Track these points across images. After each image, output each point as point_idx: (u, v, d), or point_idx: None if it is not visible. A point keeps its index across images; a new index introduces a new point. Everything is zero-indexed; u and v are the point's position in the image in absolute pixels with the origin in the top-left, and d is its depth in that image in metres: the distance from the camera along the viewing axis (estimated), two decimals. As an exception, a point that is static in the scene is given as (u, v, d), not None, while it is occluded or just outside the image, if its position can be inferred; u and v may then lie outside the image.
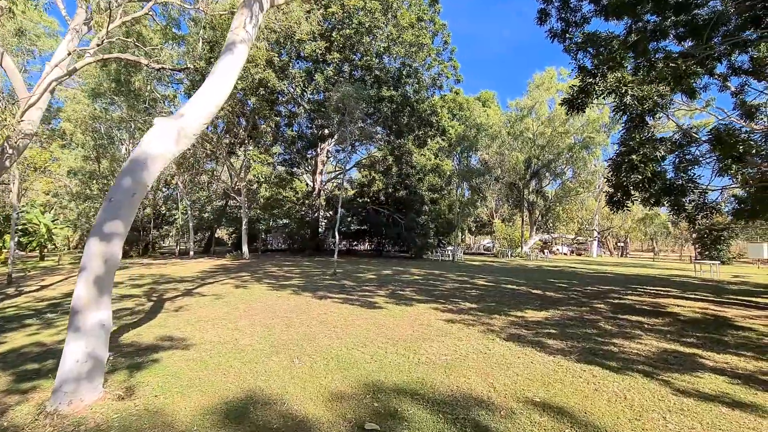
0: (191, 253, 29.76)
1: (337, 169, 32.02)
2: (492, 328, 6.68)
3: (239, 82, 17.67)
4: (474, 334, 6.28)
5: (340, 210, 15.26)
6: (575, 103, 7.86)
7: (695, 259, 37.07)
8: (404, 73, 22.01)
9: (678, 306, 9.04)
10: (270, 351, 5.38)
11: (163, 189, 35.92)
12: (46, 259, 27.97)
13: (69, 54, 7.09)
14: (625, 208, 8.29)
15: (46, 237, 29.08)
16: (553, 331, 6.47)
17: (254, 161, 19.65)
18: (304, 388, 4.09)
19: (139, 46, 13.06)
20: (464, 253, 37.58)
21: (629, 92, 6.36)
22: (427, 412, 3.50)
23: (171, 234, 34.48)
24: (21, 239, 29.62)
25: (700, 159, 7.99)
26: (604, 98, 7.60)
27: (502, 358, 5.02)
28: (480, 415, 3.46)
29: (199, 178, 31.13)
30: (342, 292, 10.72)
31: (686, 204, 7.94)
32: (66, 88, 22.58)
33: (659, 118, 7.36)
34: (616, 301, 9.67)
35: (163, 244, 39.79)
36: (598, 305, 9.01)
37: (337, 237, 15.04)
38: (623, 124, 7.95)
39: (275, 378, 4.37)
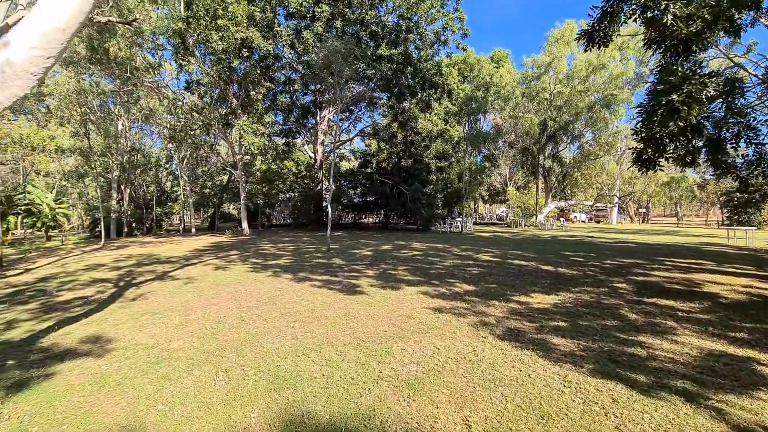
0: (193, 230, 29.22)
1: (337, 138, 30.55)
2: (486, 319, 5.45)
3: (219, 42, 16.12)
4: (462, 329, 5.07)
5: (331, 181, 13.97)
6: (596, 35, 6.19)
7: (723, 224, 34.82)
8: (404, 27, 19.91)
9: (716, 284, 7.61)
10: (198, 360, 4.29)
11: (166, 166, 35.25)
12: (52, 239, 27.81)
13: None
14: (656, 168, 6.74)
15: (50, 217, 28.80)
16: (562, 323, 5.19)
17: (245, 132, 18.33)
18: (205, 425, 2.97)
19: (113, 6, 11.71)
20: (475, 224, 36.14)
21: (671, 8, 4.74)
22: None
23: (175, 211, 33.96)
24: (25, 220, 29.51)
25: (751, 106, 6.30)
26: (636, 21, 5.93)
27: (490, 370, 3.80)
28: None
29: (197, 153, 30.13)
30: (327, 272, 9.60)
31: (734, 160, 6.35)
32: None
33: (706, 48, 5.72)
34: (641, 278, 8.28)
35: (171, 222, 39.57)
36: (619, 284, 7.66)
37: (329, 210, 13.80)
38: (658, 62, 6.29)
39: (178, 407, 3.27)
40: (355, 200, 29.39)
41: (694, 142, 6.52)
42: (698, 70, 5.46)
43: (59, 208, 30.08)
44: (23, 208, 28.56)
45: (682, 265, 10.03)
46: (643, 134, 6.20)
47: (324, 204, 32.19)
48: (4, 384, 3.83)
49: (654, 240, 18.48)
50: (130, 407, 3.29)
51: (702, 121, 5.47)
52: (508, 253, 12.92)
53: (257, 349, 4.52)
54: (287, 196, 30.76)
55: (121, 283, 9.20)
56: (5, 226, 27.71)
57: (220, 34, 15.92)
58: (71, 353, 4.64)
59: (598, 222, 43.79)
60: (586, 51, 6.80)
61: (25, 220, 29.59)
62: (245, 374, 3.86)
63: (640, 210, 48.55)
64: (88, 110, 23.81)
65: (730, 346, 4.32)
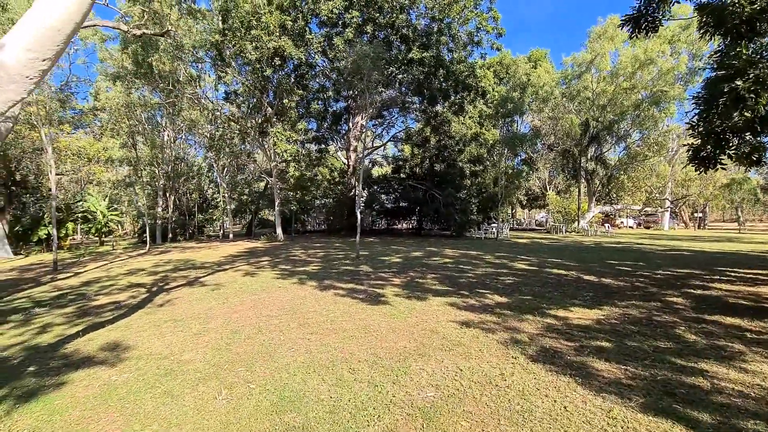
0: (231, 236, 30.09)
1: (365, 143, 30.51)
2: (518, 336, 4.93)
3: (252, 52, 16.49)
4: (491, 347, 4.59)
5: (360, 187, 13.76)
6: (642, 21, 5.50)
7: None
8: (435, 29, 19.49)
9: (792, 299, 6.62)
10: (206, 373, 4.10)
11: (208, 174, 36.73)
12: (105, 244, 29.57)
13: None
14: (716, 167, 5.89)
15: (103, 223, 30.66)
16: (606, 344, 4.58)
17: (278, 139, 18.60)
18: (196, 452, 2.73)
19: (157, 23, 12.23)
20: (512, 230, 34.84)
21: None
22: None
23: (215, 217, 35.21)
24: (82, 226, 31.60)
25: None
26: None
27: (519, 399, 3.32)
28: None
29: (236, 161, 31.10)
30: (352, 280, 9.34)
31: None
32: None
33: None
34: (699, 291, 7.37)
35: (214, 228, 41.13)
36: (674, 298, 6.83)
37: (359, 216, 13.58)
38: (717, 48, 5.49)
39: (173, 428, 3.06)
40: (388, 206, 29.13)
41: (762, 136, 5.68)
42: (766, 53, 4.67)
43: (112, 214, 31.99)
44: (80, 215, 30.56)
45: (747, 276, 8.91)
46: (700, 128, 5.41)
47: (359, 210, 32.30)
48: (17, 393, 3.81)
49: (712, 248, 16.83)
50: (126, 425, 3.12)
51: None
52: (546, 262, 12.12)
53: (268, 364, 4.28)
54: (322, 202, 31.04)
55: (154, 288, 9.40)
56: (63, 232, 29.67)
57: (253, 44, 16.27)
58: (88, 361, 4.62)
59: (647, 228, 40.96)
60: (631, 38, 6.11)
61: (81, 227, 31.66)
62: (249, 392, 3.61)
63: (695, 215, 44.95)
64: (136, 122, 25.29)
65: (817, 378, 3.58)
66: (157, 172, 30.51)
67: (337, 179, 29.58)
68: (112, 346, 5.16)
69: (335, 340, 5.03)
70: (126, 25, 9.37)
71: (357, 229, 13.39)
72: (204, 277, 10.90)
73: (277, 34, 16.54)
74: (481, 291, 7.76)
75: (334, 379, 3.82)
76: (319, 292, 8.12)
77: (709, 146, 5.54)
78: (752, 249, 15.99)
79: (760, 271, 9.67)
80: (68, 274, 12.31)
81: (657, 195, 38.96)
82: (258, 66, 17.03)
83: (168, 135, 30.71)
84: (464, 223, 23.46)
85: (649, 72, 28.67)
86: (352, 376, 3.90)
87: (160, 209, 30.67)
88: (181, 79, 19.66)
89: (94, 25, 8.70)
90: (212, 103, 21.37)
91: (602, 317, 5.72)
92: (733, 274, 9.33)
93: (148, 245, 20.92)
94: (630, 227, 42.09)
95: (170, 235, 30.63)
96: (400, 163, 27.45)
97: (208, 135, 25.75)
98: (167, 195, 31.98)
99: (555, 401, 3.23)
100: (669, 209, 39.30)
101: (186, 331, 5.71)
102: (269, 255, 15.79)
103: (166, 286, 9.62)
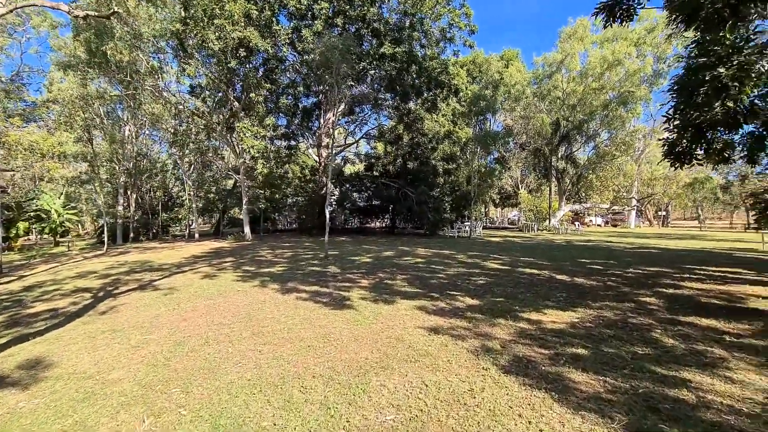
0: (196, 235, 28.83)
1: (342, 141, 29.84)
2: (490, 343, 4.57)
3: (216, 42, 15.60)
4: (460, 356, 4.20)
5: (329, 183, 13.19)
6: (617, 9, 5.23)
7: (750, 227, 32.96)
8: (407, 24, 19.09)
9: (762, 298, 6.58)
10: (132, 397, 3.52)
11: (174, 171, 35.07)
12: (61, 245, 27.72)
13: None
14: (692, 162, 5.71)
15: (57, 222, 28.74)
16: (582, 350, 4.28)
17: (245, 135, 17.75)
18: None
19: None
20: (486, 228, 35.02)
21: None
22: None
23: (181, 216, 33.72)
24: (34, 225, 29.54)
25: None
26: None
27: (490, 420, 2.93)
28: None
29: (202, 157, 29.82)
30: (318, 282, 8.81)
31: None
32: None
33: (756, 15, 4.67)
34: (671, 291, 7.27)
35: (181, 227, 39.41)
36: (647, 298, 6.68)
37: (327, 214, 13.01)
38: (693, 38, 5.29)
39: (72, 473, 2.49)
40: (360, 204, 28.59)
41: (733, 133, 5.54)
42: (752, 38, 4.48)
43: (68, 213, 30.05)
44: (32, 214, 28.56)
45: (716, 274, 8.95)
46: (676, 121, 5.21)
47: (331, 208, 31.53)
48: None
49: (678, 245, 17.23)
50: (15, 472, 2.53)
51: (756, 101, 4.48)
52: (518, 260, 11.95)
53: (208, 383, 3.74)
54: (293, 200, 30.16)
55: (101, 294, 8.59)
56: (14, 232, 27.66)
57: (217, 34, 15.39)
58: (-2, 383, 3.95)
59: (615, 226, 42.16)
60: (606, 26, 5.88)
61: (34, 226, 29.61)
62: (179, 421, 3.07)
63: (659, 213, 46.68)
64: (95, 116, 23.74)
65: (801, 385, 3.36)
66: (117, 168, 28.94)
67: (308, 177, 28.81)
68: (32, 364, 4.48)
69: (290, 351, 4.52)
70: (68, 6, 8.49)
71: (326, 228, 12.83)
72: (159, 280, 10.11)
73: (242, 24, 15.71)
74: (452, 293, 7.41)
75: (281, 401, 3.33)
76: (280, 295, 7.57)
77: (685, 140, 5.36)
78: (716, 246, 16.45)
79: (727, 269, 9.77)
80: (12, 278, 11.21)
81: (624, 194, 40.13)
82: (222, 57, 16.12)
83: (129, 130, 29.13)
84: (437, 222, 23.23)
85: (616, 73, 29.37)
86: (303, 396, 3.41)
87: (121, 208, 29.08)
88: (141, 70, 18.44)
89: (31, 5, 7.77)
90: (174, 96, 20.22)
91: (576, 320, 5.45)
92: (701, 272, 9.38)
93: (106, 246, 19.66)
94: (598, 225, 43.21)
95: (132, 235, 29.10)
96: (373, 160, 26.99)
97: (172, 130, 24.48)
98: (129, 193, 30.37)
99: (530, 423, 2.86)
100: (635, 208, 40.56)
101: (123, 343, 5.06)
102: (234, 255, 15.01)
103: (115, 291, 8.81)
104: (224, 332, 5.32)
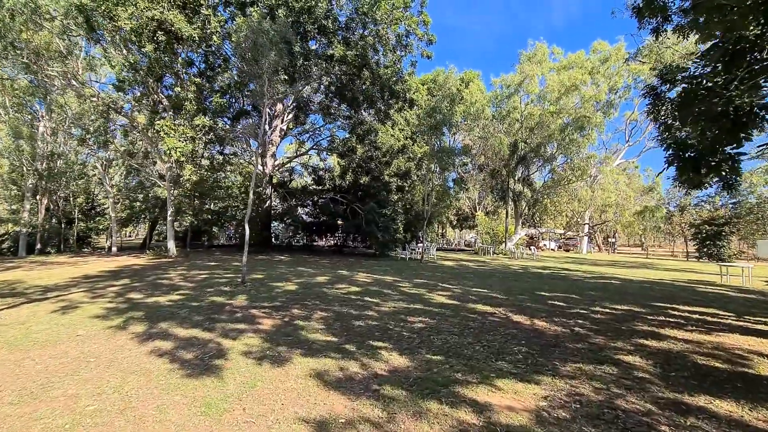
0: (114, 249, 25.21)
1: (290, 150, 27.61)
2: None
3: (127, 21, 13.12)
4: None
5: (251, 195, 10.93)
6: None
7: (692, 257, 33.93)
8: (359, 23, 17.48)
9: (765, 356, 5.10)
10: None
11: (99, 176, 31.07)
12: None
13: None
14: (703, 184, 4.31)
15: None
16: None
17: (166, 134, 15.15)
18: None
19: None
20: (441, 250, 33.64)
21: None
22: None
23: (102, 227, 29.71)
24: None
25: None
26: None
27: None
28: None
29: (129, 160, 26.42)
30: (202, 323, 6.48)
31: None
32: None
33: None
34: (654, 343, 5.66)
35: (105, 238, 34.96)
36: (629, 357, 4.99)
37: (247, 230, 10.69)
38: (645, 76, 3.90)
39: None
40: (308, 220, 26.22)
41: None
42: None
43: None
44: None
45: (694, 317, 7.54)
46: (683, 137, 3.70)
47: (275, 224, 28.77)
48: None
49: (635, 275, 16.34)
50: None
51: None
52: (470, 292, 10.17)
53: None
54: (232, 213, 27.22)
55: None
56: None
57: (129, 11, 12.95)
58: None
59: (567, 251, 42.35)
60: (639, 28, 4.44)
61: None
62: None
63: (609, 239, 47.72)
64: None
65: None
66: (25, 168, 25.04)
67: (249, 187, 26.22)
68: None
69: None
70: None
71: (245, 247, 10.49)
72: (6, 309, 7.41)
73: (164, 4, 13.39)
74: (376, 344, 5.38)
75: None
76: (131, 347, 5.21)
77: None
78: (673, 278, 15.63)
79: (701, 308, 8.47)
80: None
81: (578, 219, 40.44)
82: (135, 39, 13.63)
83: (45, 125, 25.34)
84: (387, 242, 21.34)
85: (573, 98, 29.43)
86: None
87: (26, 214, 25.01)
88: (38, 50, 15.45)
89: None
90: (81, 84, 17.22)
91: (543, 404, 3.58)
92: (676, 312, 7.98)
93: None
94: (552, 249, 43.30)
95: (39, 246, 25.01)
96: (322, 173, 24.92)
97: (92, 128, 21.24)
98: (39, 197, 26.28)
99: None
100: (588, 234, 40.96)
101: None
102: (135, 277, 12.26)
103: None
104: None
